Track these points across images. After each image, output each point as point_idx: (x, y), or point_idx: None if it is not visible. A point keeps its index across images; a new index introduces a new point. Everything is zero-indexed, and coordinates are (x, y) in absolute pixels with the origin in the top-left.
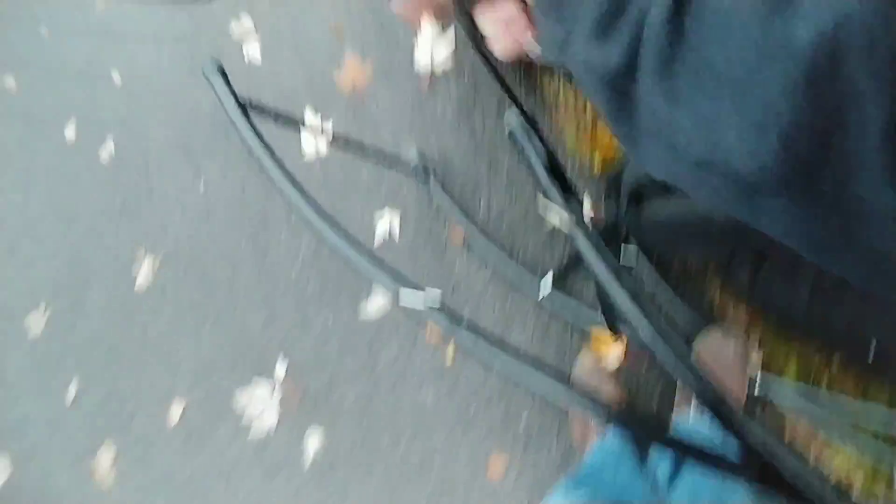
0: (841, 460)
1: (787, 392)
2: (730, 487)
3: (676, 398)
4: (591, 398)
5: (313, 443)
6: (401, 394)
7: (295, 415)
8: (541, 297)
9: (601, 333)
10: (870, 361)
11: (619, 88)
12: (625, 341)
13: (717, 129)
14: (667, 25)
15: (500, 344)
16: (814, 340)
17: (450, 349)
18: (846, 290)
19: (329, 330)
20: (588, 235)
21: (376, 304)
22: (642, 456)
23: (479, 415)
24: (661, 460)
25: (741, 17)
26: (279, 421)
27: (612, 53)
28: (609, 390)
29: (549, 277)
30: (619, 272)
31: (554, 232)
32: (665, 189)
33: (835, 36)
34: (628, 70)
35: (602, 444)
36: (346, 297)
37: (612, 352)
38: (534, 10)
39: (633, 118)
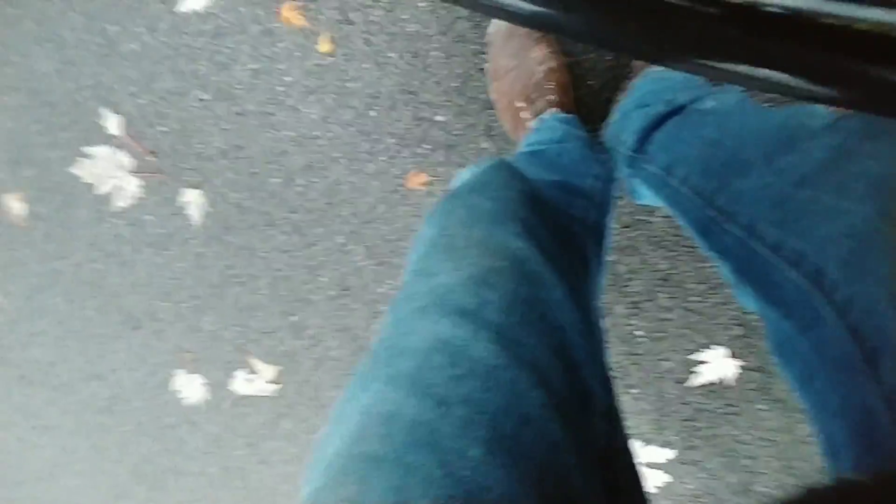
0: None
1: None
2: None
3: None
4: None
5: (195, 206)
6: (275, 118)
7: (157, 178)
8: None
9: None
10: None
11: None
12: None
13: None
14: None
15: None
16: None
17: (323, 34)
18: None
19: (149, 50)
20: None
21: None
22: (594, 141)
23: (382, 124)
24: (627, 125)
25: None
26: (144, 189)
27: None
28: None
29: None
30: None
31: None
32: None
33: None
34: None
35: (540, 127)
36: None
37: None
38: None
39: None
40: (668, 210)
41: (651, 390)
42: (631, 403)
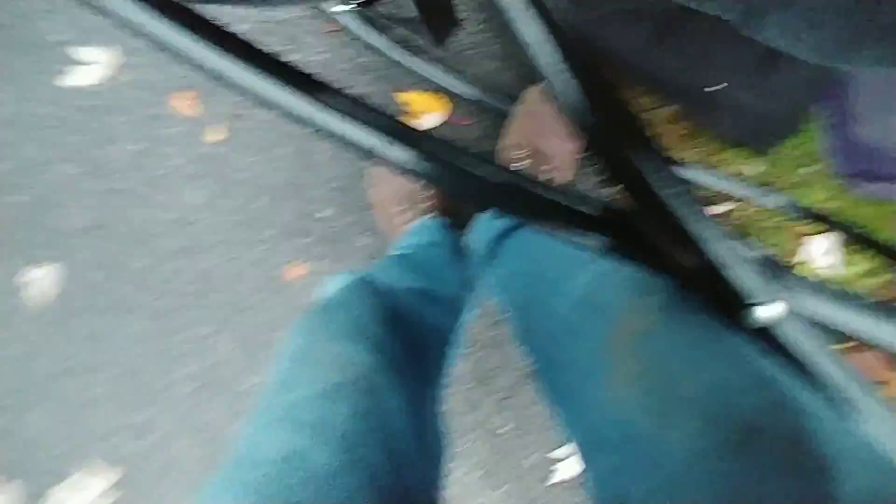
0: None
1: None
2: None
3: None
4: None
5: (37, 286)
6: (153, 200)
7: (6, 254)
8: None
9: (418, 95)
10: (705, 104)
11: None
12: (447, 104)
13: None
14: None
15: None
16: (653, 88)
17: (215, 125)
18: (690, 31)
19: (18, 118)
20: None
21: (88, 71)
22: (460, 239)
23: (265, 215)
24: (483, 233)
25: None
26: None
27: None
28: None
29: None
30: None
31: None
32: None
33: None
34: None
35: (414, 231)
36: (35, 63)
37: (432, 114)
38: None
39: None
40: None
41: (518, 487)
42: (500, 501)
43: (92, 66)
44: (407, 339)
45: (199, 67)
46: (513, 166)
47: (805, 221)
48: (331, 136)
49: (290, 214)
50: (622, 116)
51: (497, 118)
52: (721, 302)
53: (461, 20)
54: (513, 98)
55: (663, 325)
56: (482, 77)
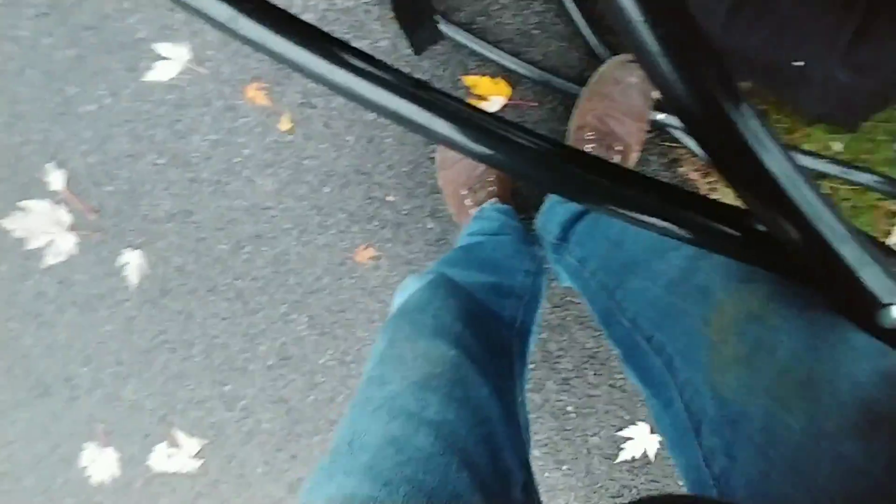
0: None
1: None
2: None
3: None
4: None
5: (133, 267)
6: (230, 187)
7: (96, 236)
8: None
9: (483, 78)
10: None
11: None
12: (513, 87)
13: None
14: None
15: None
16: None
17: (285, 114)
18: (767, 10)
19: (107, 113)
20: None
21: (167, 66)
22: (527, 224)
23: (334, 200)
24: (554, 217)
25: None
26: (79, 247)
27: None
28: None
29: None
30: None
31: None
32: None
33: None
34: None
35: (480, 217)
36: (120, 61)
37: (498, 97)
38: None
39: None
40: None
41: (580, 466)
42: (562, 479)
43: (171, 61)
44: (483, 334)
45: (273, 55)
46: (585, 147)
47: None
48: (398, 119)
49: (359, 199)
50: (729, 96)
51: (565, 99)
52: (851, 303)
53: (443, 34)
54: (579, 78)
55: (771, 312)
56: (548, 57)
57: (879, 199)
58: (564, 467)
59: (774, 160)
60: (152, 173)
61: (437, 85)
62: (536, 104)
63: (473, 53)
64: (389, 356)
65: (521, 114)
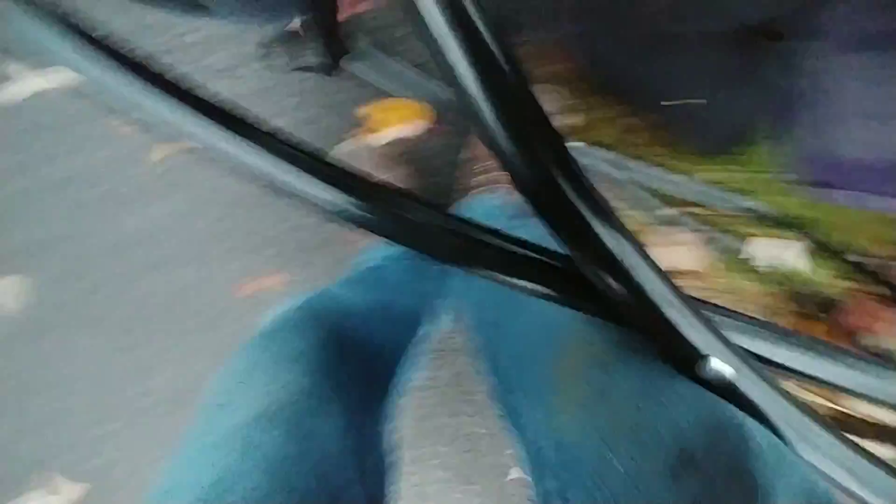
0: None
1: (602, 161)
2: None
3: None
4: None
5: (11, 297)
6: (110, 219)
7: None
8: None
9: (379, 106)
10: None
11: None
12: (415, 111)
13: None
14: None
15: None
16: (633, 102)
17: (156, 145)
18: (675, 46)
19: None
20: None
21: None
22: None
23: (230, 228)
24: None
25: None
26: None
27: None
28: (391, 172)
29: None
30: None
31: None
32: None
33: None
34: None
35: (374, 247)
36: None
37: (395, 126)
38: None
39: None
40: None
41: (487, 484)
42: (473, 496)
43: (23, 81)
44: (353, 359)
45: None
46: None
47: (770, 226)
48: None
49: (260, 225)
50: (552, 146)
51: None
52: (675, 354)
53: (354, 48)
54: None
55: (612, 357)
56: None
57: (752, 226)
58: (475, 485)
59: (609, 234)
60: (23, 197)
61: (329, 119)
62: (442, 128)
63: (366, 83)
64: (236, 382)
65: (427, 139)
